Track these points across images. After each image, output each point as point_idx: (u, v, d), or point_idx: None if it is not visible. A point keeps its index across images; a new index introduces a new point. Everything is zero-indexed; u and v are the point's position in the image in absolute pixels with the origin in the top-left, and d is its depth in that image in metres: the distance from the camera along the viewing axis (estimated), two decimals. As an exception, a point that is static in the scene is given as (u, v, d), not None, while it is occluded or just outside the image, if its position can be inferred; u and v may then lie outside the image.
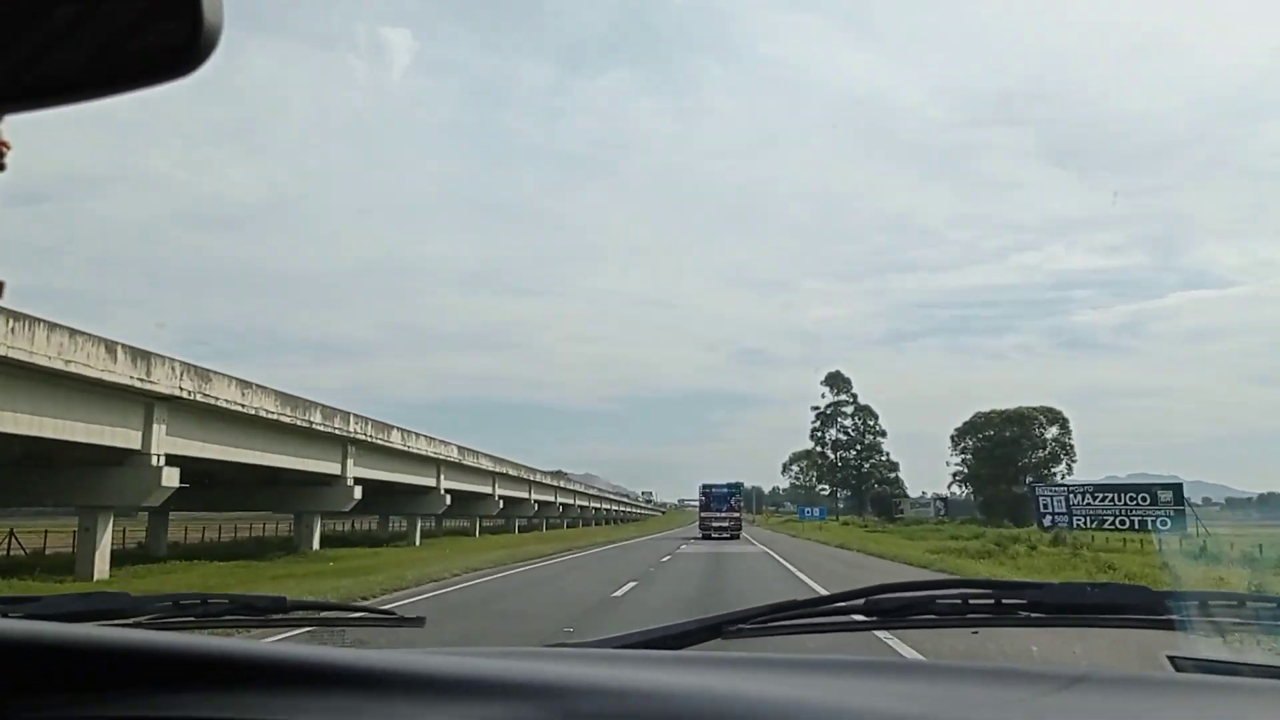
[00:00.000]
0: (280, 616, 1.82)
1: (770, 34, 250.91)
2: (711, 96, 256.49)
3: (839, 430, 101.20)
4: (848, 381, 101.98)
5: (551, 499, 72.06)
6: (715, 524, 49.50)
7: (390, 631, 1.92)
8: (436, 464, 41.72)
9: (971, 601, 1.53)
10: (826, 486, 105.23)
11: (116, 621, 1.57)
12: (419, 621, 1.84)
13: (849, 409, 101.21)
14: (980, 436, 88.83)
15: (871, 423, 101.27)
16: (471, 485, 48.21)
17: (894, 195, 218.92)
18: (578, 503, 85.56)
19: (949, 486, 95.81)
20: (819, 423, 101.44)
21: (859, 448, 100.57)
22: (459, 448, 44.40)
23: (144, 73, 0.67)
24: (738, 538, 47.39)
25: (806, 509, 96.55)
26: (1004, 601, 1.52)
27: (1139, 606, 1.49)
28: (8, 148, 0.72)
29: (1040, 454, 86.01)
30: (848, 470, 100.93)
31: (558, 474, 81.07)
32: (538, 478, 65.94)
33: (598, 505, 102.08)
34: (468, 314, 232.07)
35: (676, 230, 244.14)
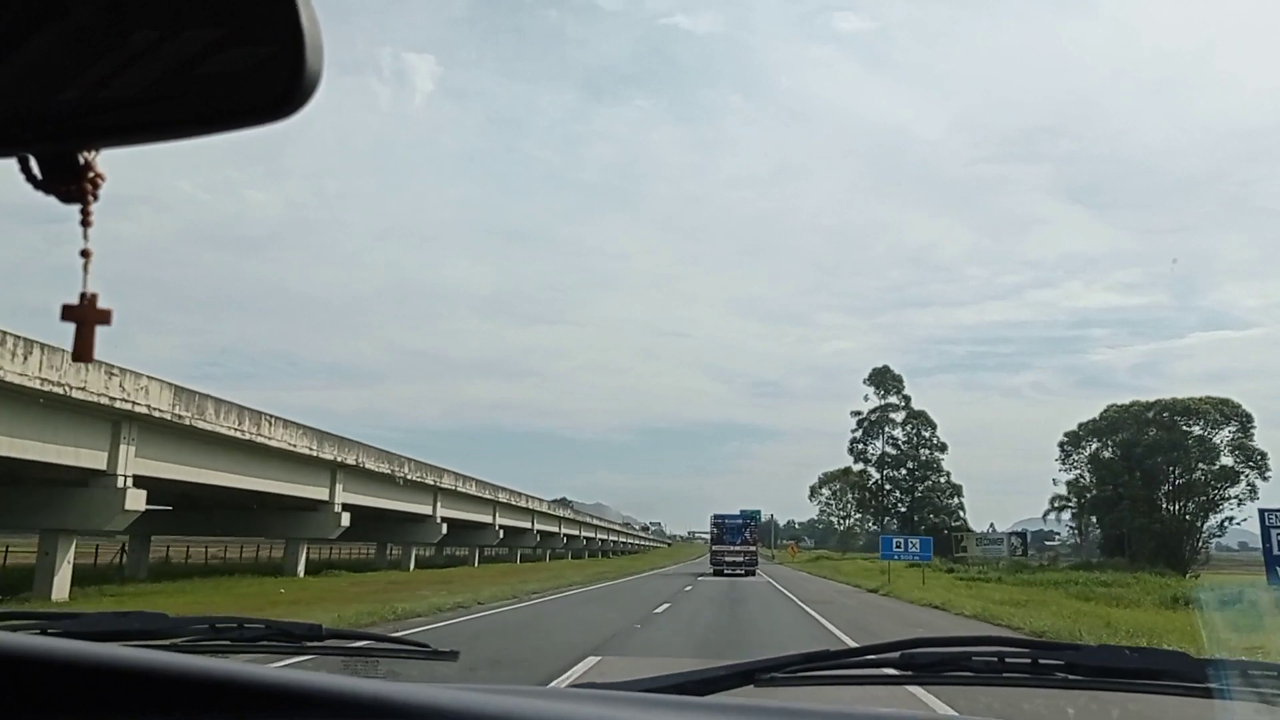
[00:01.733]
0: (315, 644, 1.82)
1: (790, 66, 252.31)
2: (730, 127, 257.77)
3: (887, 442, 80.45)
4: (898, 380, 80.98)
5: (555, 529, 70.69)
6: (728, 558, 45.02)
7: (423, 664, 1.98)
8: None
9: (1008, 660, 1.53)
10: (867, 515, 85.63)
11: (153, 643, 1.58)
12: (453, 655, 1.85)
13: (899, 415, 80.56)
14: (1112, 441, 64.74)
15: (927, 434, 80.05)
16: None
17: (911, 230, 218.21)
18: (582, 534, 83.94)
19: (1046, 515, 73.68)
20: (859, 432, 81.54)
21: (911, 465, 79.91)
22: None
23: (244, 114, 0.68)
24: (753, 574, 43.86)
25: (895, 541, 46.90)
26: (1040, 662, 1.53)
27: (1178, 673, 1.47)
28: (103, 179, 0.73)
29: (1206, 466, 59.75)
30: (896, 495, 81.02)
31: (561, 502, 79.73)
32: (541, 507, 64.72)
33: (604, 537, 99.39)
34: (483, 340, 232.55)
35: (692, 260, 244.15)
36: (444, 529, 41.93)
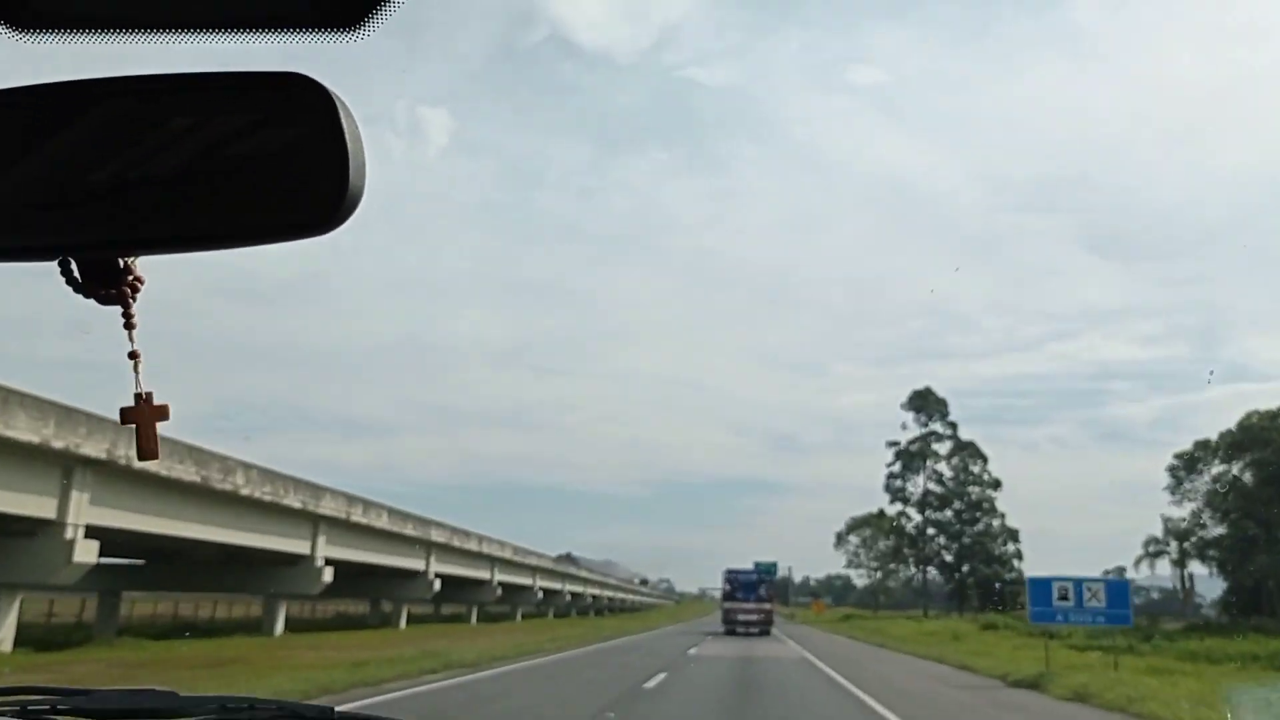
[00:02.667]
0: None
1: (805, 117, 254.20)
2: (745, 178, 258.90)
3: (929, 478, 68.34)
4: (942, 404, 69.28)
5: (559, 586, 68.52)
6: (741, 616, 41.69)
7: None
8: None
9: None
10: (902, 565, 74.73)
11: None
12: None
13: (943, 445, 68.50)
14: (1249, 461, 47.79)
15: (976, 469, 67.60)
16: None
17: (929, 280, 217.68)
18: (587, 590, 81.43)
19: (1139, 562, 55.91)
20: (897, 466, 69.74)
21: (958, 505, 67.62)
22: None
23: (285, 229, 0.72)
24: (768, 633, 40.46)
25: (1056, 589, 19.94)
26: None
27: None
28: (142, 283, 0.78)
29: None
30: (940, 540, 68.89)
31: (566, 558, 77.85)
32: (543, 564, 62.69)
33: (610, 594, 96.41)
34: (495, 393, 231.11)
35: (707, 311, 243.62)
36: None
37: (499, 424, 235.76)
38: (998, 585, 60.48)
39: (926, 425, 69.79)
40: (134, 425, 0.77)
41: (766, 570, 54.51)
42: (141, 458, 0.78)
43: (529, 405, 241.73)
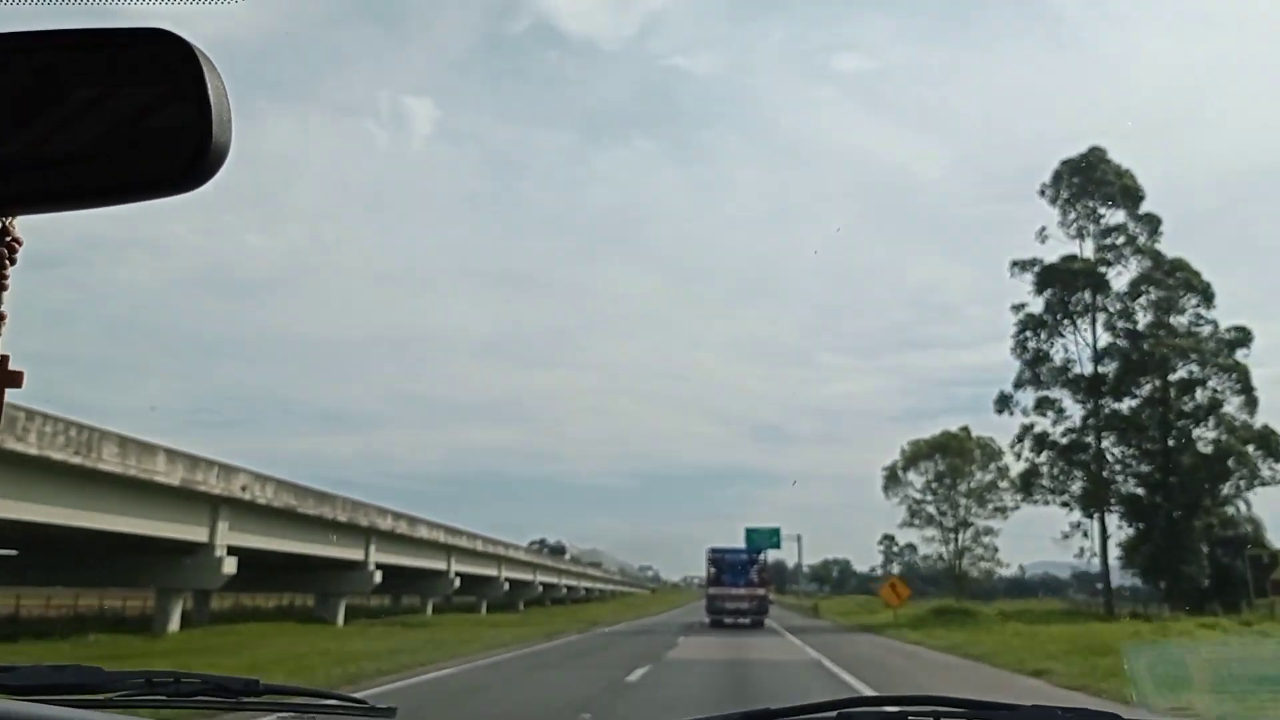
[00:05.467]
0: (252, 700, 1.77)
1: (790, 107, 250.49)
2: (730, 168, 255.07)
3: (1120, 331, 38.02)
4: (1134, 195, 38.69)
5: (530, 577, 65.17)
6: (730, 604, 34.70)
7: None
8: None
9: (943, 719, 1.61)
10: (1043, 498, 39.94)
11: (88, 696, 1.58)
12: (390, 712, 1.79)
13: (1131, 261, 38.20)
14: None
15: (1191, 307, 37.27)
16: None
17: (913, 270, 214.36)
18: (562, 581, 77.97)
19: None
20: (1039, 304, 39.38)
21: (1159, 384, 36.71)
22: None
23: (151, 185, 0.71)
24: (761, 625, 33.80)
25: None
26: None
27: None
28: (19, 244, 0.76)
29: None
30: (1128, 461, 38.46)
31: (540, 545, 76.00)
32: (514, 554, 59.73)
33: (589, 585, 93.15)
34: (481, 385, 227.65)
35: (693, 302, 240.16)
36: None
37: (484, 416, 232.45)
38: (1252, 558, 32.83)
39: (1097, 231, 37.85)
40: None
41: (767, 537, 47.87)
42: None
43: (514, 397, 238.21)
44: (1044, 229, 40.59)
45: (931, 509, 58.81)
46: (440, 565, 45.13)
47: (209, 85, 0.68)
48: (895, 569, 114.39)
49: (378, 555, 36.43)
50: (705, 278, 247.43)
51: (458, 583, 47.28)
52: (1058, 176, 40.42)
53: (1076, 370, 39.86)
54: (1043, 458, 40.34)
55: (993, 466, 56.66)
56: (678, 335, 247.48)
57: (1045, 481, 40.37)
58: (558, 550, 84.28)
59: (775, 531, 54.13)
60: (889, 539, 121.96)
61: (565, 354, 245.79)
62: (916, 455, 58.38)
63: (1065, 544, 41.00)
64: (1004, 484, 54.69)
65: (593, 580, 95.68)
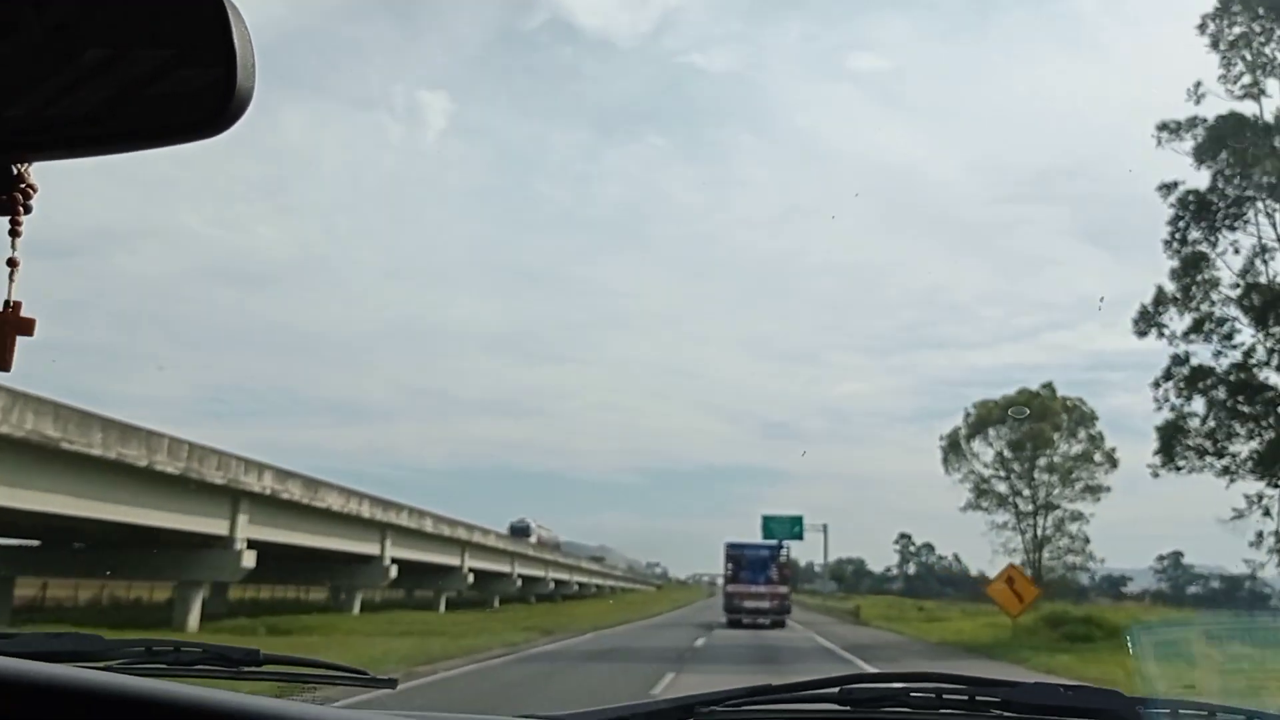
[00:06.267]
0: (252, 669, 1.78)
1: (804, 105, 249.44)
2: (742, 166, 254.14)
3: None
4: None
5: (541, 573, 65.31)
6: (749, 603, 32.65)
7: (362, 691, 2.00)
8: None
9: (945, 696, 1.54)
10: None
11: (88, 664, 1.55)
12: (391, 683, 1.85)
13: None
14: None
15: None
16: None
17: (925, 270, 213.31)
18: (574, 578, 77.78)
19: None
20: (1183, 212, 28.06)
21: None
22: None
23: (173, 130, 0.72)
24: (783, 625, 32.05)
25: None
26: (978, 698, 1.54)
27: (1111, 712, 1.49)
28: (34, 190, 0.75)
29: None
30: None
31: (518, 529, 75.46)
32: (526, 550, 59.78)
33: (581, 580, 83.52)
34: (490, 379, 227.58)
35: (702, 299, 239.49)
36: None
37: (494, 410, 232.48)
38: None
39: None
40: None
41: (787, 527, 43.01)
42: None
43: (524, 391, 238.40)
44: (1199, 84, 28.17)
45: (1004, 487, 47.31)
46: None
47: (234, 28, 0.69)
48: (912, 569, 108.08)
49: (394, 550, 36.80)
50: (717, 275, 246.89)
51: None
52: (1224, 5, 28.25)
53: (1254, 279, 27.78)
54: (1197, 405, 28.73)
55: (1083, 434, 46.29)
56: (688, 332, 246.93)
57: (1199, 440, 28.63)
58: (520, 530, 63.69)
59: (797, 520, 47.56)
60: (905, 537, 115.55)
61: (575, 349, 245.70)
62: (985, 420, 46.59)
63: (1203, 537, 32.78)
64: (1098, 457, 45.50)
65: (586, 574, 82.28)
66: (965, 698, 1.52)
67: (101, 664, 1.57)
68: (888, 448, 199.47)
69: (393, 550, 36.75)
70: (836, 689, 1.52)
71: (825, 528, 56.73)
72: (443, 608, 43.41)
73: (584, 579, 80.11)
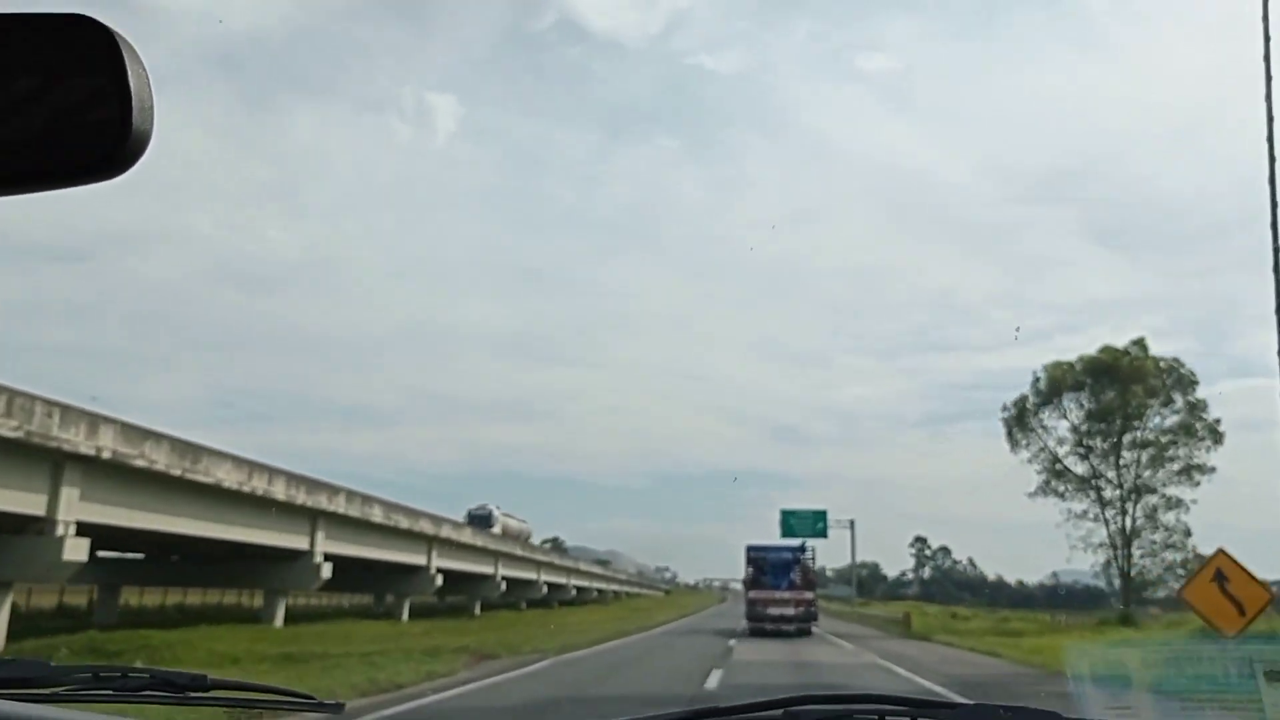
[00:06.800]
0: (199, 695, 1.78)
1: (812, 106, 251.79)
2: (751, 167, 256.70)
3: None
4: None
5: (564, 580, 68.90)
6: (773, 610, 31.05)
7: (308, 716, 1.92)
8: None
9: (888, 718, 1.57)
10: None
11: (32, 691, 1.56)
12: (338, 708, 1.82)
13: None
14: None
15: None
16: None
17: (935, 272, 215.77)
18: (593, 584, 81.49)
19: None
20: None
21: None
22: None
23: (65, 173, 0.70)
24: (809, 633, 31.02)
25: None
26: (919, 719, 1.58)
27: None
28: None
29: None
30: None
31: (555, 544, 76.35)
32: (548, 558, 63.48)
33: (600, 586, 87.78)
34: (499, 382, 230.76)
35: (711, 302, 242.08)
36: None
37: (503, 413, 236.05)
38: None
39: None
40: None
41: (810, 524, 40.98)
42: None
43: (533, 394, 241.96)
44: None
45: (1083, 468, 40.32)
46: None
47: (129, 71, 0.68)
48: (927, 573, 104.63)
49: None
50: (725, 277, 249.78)
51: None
52: None
53: None
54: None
55: (1180, 401, 38.53)
56: (696, 335, 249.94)
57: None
58: (480, 519, 55.64)
59: (820, 516, 45.35)
60: (921, 540, 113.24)
61: (583, 352, 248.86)
62: (1059, 385, 39.74)
63: None
64: (1199, 430, 38.31)
65: (587, 578, 77.59)
66: (908, 719, 1.57)
67: (48, 690, 1.59)
68: (898, 451, 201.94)
69: (326, 545, 29.95)
70: (780, 711, 1.55)
71: (852, 524, 52.08)
72: (406, 615, 38.79)
73: (584, 583, 74.22)
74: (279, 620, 28.92)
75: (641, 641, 27.28)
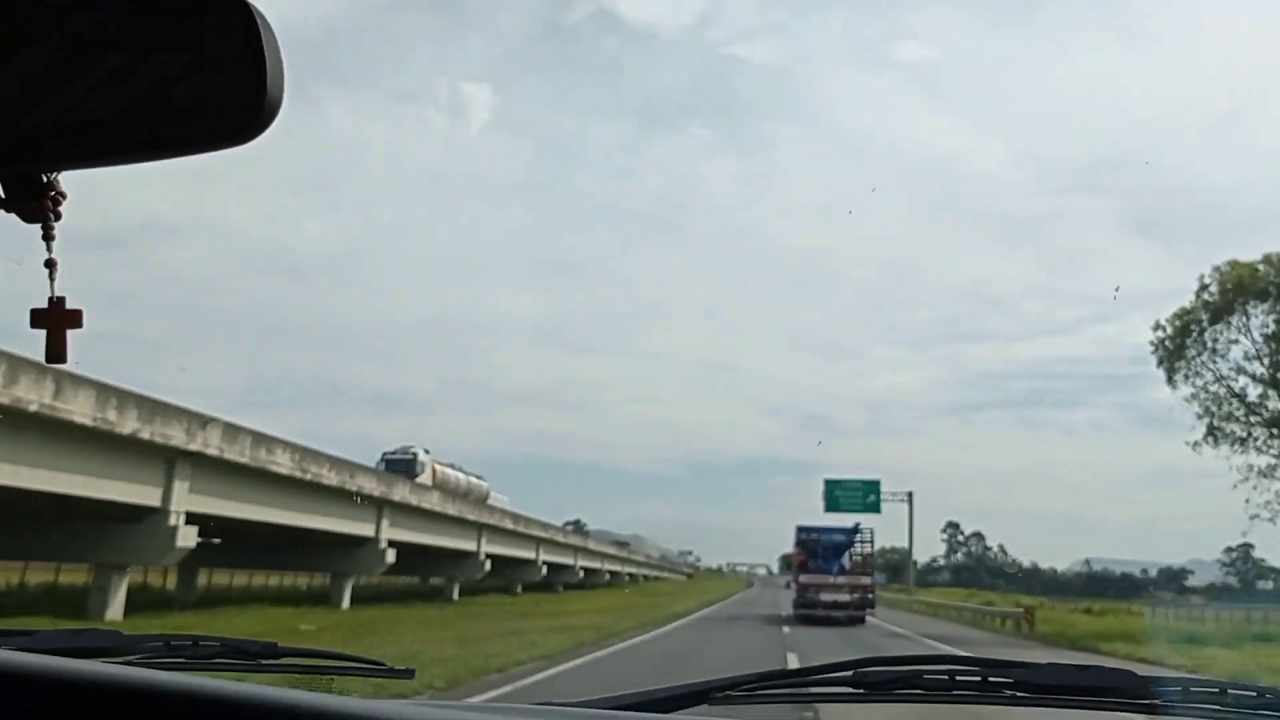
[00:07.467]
0: (270, 661, 1.79)
1: (846, 96, 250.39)
2: (782, 158, 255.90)
3: None
4: None
5: (570, 561, 71.02)
6: (825, 596, 28.73)
7: (379, 681, 1.97)
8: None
9: (958, 678, 1.54)
10: None
11: (109, 659, 1.54)
12: (409, 673, 1.82)
13: None
14: None
15: None
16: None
17: (967, 262, 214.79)
18: (605, 566, 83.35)
19: None
20: None
21: None
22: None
23: (201, 139, 0.72)
24: (863, 621, 28.89)
25: None
26: (990, 679, 1.54)
27: (1123, 690, 1.49)
28: (63, 197, 0.76)
29: None
30: None
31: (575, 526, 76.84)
32: (575, 540, 65.72)
33: (631, 571, 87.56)
34: (530, 371, 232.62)
35: (742, 292, 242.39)
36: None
37: (534, 401, 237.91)
38: None
39: None
40: (44, 328, 0.78)
41: (860, 496, 36.56)
42: (49, 360, 0.79)
43: (563, 383, 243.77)
44: None
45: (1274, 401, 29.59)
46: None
47: (263, 39, 0.69)
48: (959, 557, 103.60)
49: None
50: (756, 267, 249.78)
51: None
52: None
53: None
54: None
55: None
56: (727, 324, 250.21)
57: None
58: (398, 463, 39.97)
59: (871, 487, 39.28)
60: (954, 526, 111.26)
61: (614, 341, 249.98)
62: (1241, 289, 30.06)
63: None
64: None
65: (619, 562, 79.93)
66: (978, 679, 1.52)
67: (122, 659, 1.61)
68: (929, 439, 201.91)
69: (390, 532, 31.72)
70: (850, 672, 1.53)
71: (910, 497, 44.26)
72: (456, 596, 40.65)
73: (615, 567, 77.79)
74: (345, 602, 30.79)
75: (646, 641, 20.15)
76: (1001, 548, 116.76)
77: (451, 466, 46.53)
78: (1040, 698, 1.52)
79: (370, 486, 29.51)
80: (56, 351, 0.78)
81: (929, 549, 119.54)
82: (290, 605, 29.24)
